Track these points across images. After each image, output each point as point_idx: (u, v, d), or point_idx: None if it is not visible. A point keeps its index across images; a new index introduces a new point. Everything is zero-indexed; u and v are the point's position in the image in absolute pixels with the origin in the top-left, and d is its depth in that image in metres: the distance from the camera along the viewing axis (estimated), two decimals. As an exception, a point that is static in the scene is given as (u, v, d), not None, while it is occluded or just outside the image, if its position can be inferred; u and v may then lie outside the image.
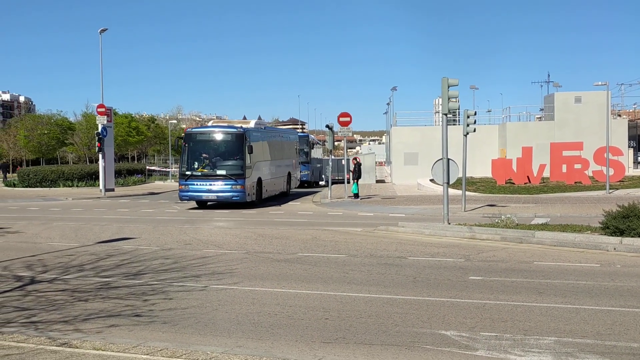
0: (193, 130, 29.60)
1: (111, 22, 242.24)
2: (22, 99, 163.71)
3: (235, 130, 27.51)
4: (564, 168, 36.55)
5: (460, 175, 21.93)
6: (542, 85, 77.43)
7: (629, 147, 45.06)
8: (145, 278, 11.79)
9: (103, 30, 40.76)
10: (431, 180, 34.21)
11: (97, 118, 38.11)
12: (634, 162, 45.79)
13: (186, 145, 27.52)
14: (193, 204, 28.58)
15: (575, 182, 35.61)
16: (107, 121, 37.89)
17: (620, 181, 35.33)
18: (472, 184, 35.83)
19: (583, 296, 9.99)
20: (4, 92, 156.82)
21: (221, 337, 7.99)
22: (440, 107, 19.26)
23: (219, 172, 26.75)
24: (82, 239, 17.56)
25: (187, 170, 27.08)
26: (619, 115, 61.70)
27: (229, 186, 26.57)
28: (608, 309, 9.16)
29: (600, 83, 32.71)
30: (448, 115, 19.27)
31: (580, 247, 14.69)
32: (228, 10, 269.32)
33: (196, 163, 27.24)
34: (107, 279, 11.71)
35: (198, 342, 7.76)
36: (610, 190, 30.60)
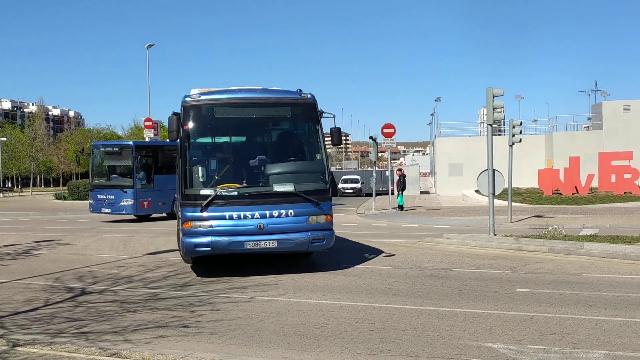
0: (209, 97, 13.21)
1: (155, 38, 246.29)
2: (71, 113, 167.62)
3: (300, 98, 13.50)
4: (613, 178, 35.88)
5: (506, 185, 21.70)
6: (589, 94, 76.47)
7: (680, 155, 43.96)
8: (192, 289, 11.94)
9: (150, 46, 41.58)
10: (476, 191, 33.93)
11: (144, 131, 38.82)
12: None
13: (194, 130, 13.00)
14: None
15: (624, 193, 34.92)
16: (154, 134, 38.53)
17: (671, 191, 34.53)
18: (518, 194, 35.41)
19: (634, 309, 9.78)
20: (54, 107, 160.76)
21: (267, 348, 8.05)
22: (485, 117, 19.12)
23: (279, 187, 12.85)
24: (131, 250, 17.87)
25: (199, 186, 12.81)
26: (670, 124, 60.18)
27: (303, 217, 12.87)
28: (660, 322, 8.96)
29: (649, 91, 32.07)
30: (493, 126, 19.11)
31: (630, 258, 14.38)
32: (277, 27, 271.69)
33: (223, 172, 13.26)
34: (155, 290, 11.89)
35: (244, 353, 7.83)
36: (662, 201, 29.91)
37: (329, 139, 13.74)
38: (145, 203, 27.90)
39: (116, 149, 29.45)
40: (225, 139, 14.26)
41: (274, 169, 13.15)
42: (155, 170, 28.36)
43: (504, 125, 44.66)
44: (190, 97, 13.08)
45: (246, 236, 12.62)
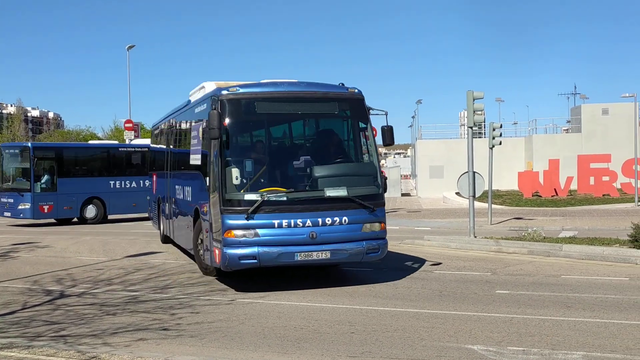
0: (250, 91, 11.96)
1: (137, 40, 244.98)
2: (51, 114, 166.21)
3: (347, 93, 12.41)
4: (592, 180, 36.22)
5: (486, 188, 21.82)
6: (568, 98, 77.30)
7: (658, 158, 44.47)
8: (172, 292, 11.88)
9: (130, 47, 41.37)
10: (457, 193, 34.07)
11: (124, 133, 38.61)
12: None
13: (233, 127, 11.69)
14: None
15: (603, 195, 35.26)
16: (135, 136, 38.34)
17: (649, 193, 34.87)
18: (499, 197, 35.63)
19: (612, 310, 9.88)
20: (33, 109, 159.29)
21: (247, 350, 8.03)
22: (466, 120, 19.22)
23: (332, 191, 11.61)
24: (110, 253, 17.75)
25: (241, 190, 11.44)
26: (648, 127, 60.90)
27: (358, 225, 11.80)
28: (637, 323, 9.05)
29: (627, 94, 32.49)
30: (474, 128, 19.22)
31: (608, 260, 14.52)
32: (269, 31, 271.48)
33: (266, 174, 11.83)
34: (135, 293, 11.82)
35: (225, 356, 7.81)
36: (639, 203, 30.22)
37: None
38: (46, 207, 26.79)
39: (16, 151, 28.22)
40: (267, 137, 12.82)
41: (323, 171, 11.90)
42: (58, 173, 27.17)
43: (484, 128, 44.93)
44: (228, 90, 11.73)
45: (297, 246, 11.34)
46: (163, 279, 13.27)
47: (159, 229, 19.84)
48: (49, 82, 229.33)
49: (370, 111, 12.47)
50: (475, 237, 18.37)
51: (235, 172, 11.41)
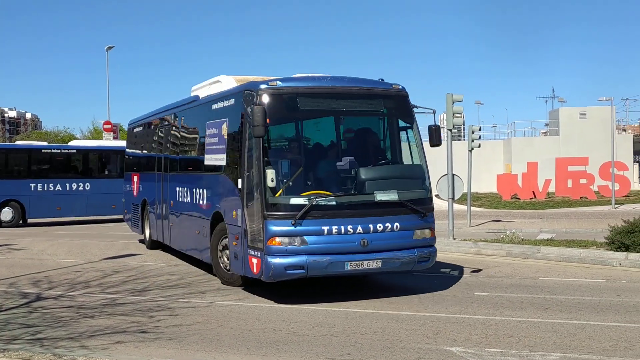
0: (293, 85, 11.14)
1: (117, 41, 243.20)
2: (28, 115, 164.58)
3: (392, 89, 11.62)
4: (570, 183, 36.57)
5: (466, 190, 21.92)
6: (547, 101, 77.97)
7: (634, 162, 45.06)
8: (150, 294, 11.80)
9: (109, 48, 41.14)
10: (436, 195, 34.14)
11: (103, 134, 38.33)
12: (639, 177, 45.79)
13: (275, 125, 10.99)
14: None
15: (580, 197, 35.61)
16: (114, 137, 38.08)
17: (625, 196, 35.34)
18: (478, 199, 35.85)
19: (589, 312, 9.97)
20: (10, 109, 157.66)
21: (226, 353, 8.00)
22: (445, 122, 19.31)
23: (383, 195, 10.84)
24: (88, 255, 17.60)
25: (286, 193, 10.49)
26: (624, 130, 61.73)
27: (409, 232, 11.08)
28: (614, 324, 9.14)
29: (604, 98, 32.80)
30: (453, 131, 19.30)
31: (586, 262, 14.65)
32: (246, 33, 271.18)
33: (310, 176, 11.07)
34: (112, 296, 11.73)
35: (203, 358, 7.77)
36: (616, 205, 30.57)
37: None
38: None
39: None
40: (310, 136, 12.02)
41: (371, 173, 11.09)
42: None
43: (463, 130, 45.21)
44: (267, 85, 10.75)
45: (347, 255, 10.45)
46: (141, 282, 13.19)
47: (143, 233, 19.01)
48: (26, 82, 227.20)
49: (415, 109, 11.71)
50: (454, 239, 18.46)
51: (278, 174, 10.41)
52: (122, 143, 27.93)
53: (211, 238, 12.70)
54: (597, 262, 14.54)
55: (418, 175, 11.47)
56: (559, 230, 22.13)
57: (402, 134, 11.86)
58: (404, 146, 11.81)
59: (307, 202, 10.28)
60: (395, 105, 11.68)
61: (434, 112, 12.00)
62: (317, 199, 10.37)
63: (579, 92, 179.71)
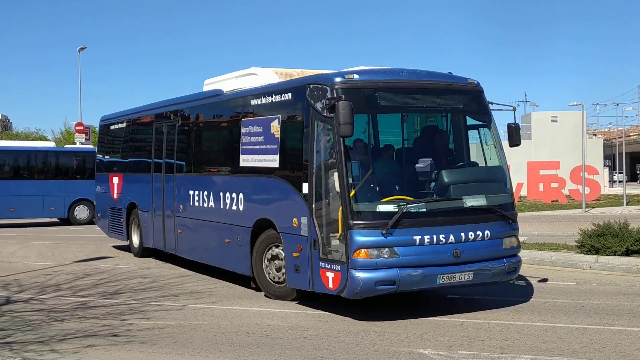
0: (371, 79, 9.96)
1: (89, 41, 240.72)
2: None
3: (468, 84, 10.65)
4: (541, 187, 36.90)
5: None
6: (519, 105, 78.43)
7: (604, 166, 45.75)
8: (122, 297, 11.70)
9: (82, 49, 40.75)
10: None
11: (75, 136, 37.91)
12: (609, 181, 46.46)
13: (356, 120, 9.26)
14: None
15: (552, 201, 35.95)
16: (86, 139, 37.70)
17: (596, 200, 35.78)
18: (451, 202, 35.96)
19: (559, 314, 10.08)
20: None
21: (199, 356, 7.96)
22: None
23: (472, 201, 9.97)
24: (59, 258, 17.40)
25: (372, 199, 9.54)
26: (595, 135, 62.67)
27: (498, 240, 10.22)
28: (584, 327, 9.25)
29: (575, 103, 33.26)
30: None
31: (556, 265, 14.81)
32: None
33: (393, 180, 10.37)
34: (84, 299, 11.61)
35: (176, 362, 7.73)
36: (587, 209, 30.92)
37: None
38: None
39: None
40: (387, 134, 11.05)
41: (456, 176, 10.14)
42: None
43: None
44: (343, 78, 9.62)
45: (440, 267, 9.47)
46: (113, 284, 13.07)
47: (128, 239, 17.42)
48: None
49: (491, 106, 10.77)
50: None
51: (359, 178, 9.37)
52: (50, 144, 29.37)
53: (252, 248, 11.43)
54: (568, 265, 14.70)
55: (500, 178, 10.66)
56: (530, 233, 22.31)
57: (480, 132, 10.88)
58: (483, 146, 10.87)
59: (397, 210, 9.25)
60: (472, 102, 10.68)
61: (515, 110, 11.26)
62: (407, 206, 9.37)
63: (550, 97, 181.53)
